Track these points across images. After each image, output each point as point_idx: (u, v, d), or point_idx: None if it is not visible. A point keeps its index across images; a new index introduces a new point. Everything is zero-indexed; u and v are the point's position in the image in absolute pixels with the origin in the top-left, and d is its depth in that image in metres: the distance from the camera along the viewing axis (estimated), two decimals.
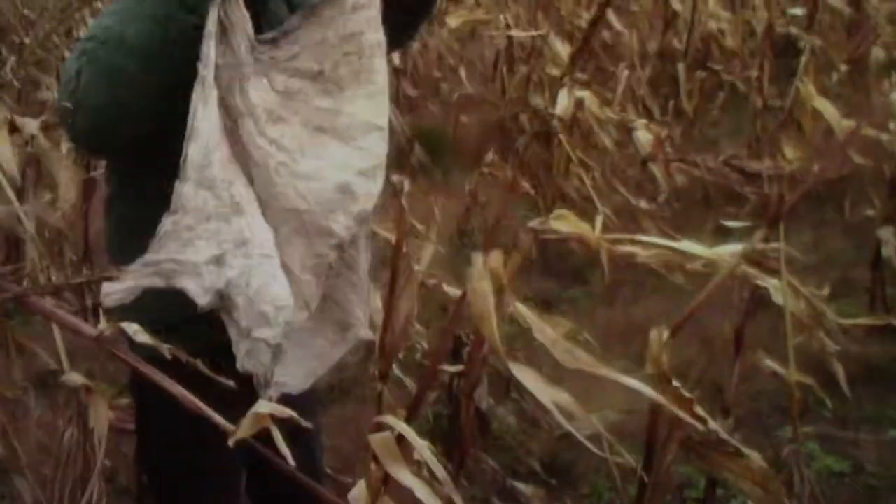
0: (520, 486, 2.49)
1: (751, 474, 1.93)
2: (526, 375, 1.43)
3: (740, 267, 2.09)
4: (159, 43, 1.45)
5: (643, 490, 2.02)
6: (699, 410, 1.93)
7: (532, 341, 1.71)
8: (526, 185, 4.90)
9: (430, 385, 1.96)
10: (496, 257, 1.31)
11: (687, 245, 2.29)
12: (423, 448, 1.17)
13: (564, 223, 2.45)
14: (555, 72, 5.53)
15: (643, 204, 4.47)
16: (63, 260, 3.71)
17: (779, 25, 6.30)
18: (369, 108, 1.55)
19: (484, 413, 2.92)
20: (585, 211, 4.65)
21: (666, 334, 1.97)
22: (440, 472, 1.20)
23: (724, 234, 3.60)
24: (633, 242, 2.90)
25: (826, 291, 4.15)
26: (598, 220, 4.49)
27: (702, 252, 2.20)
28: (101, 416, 1.80)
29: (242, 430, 1.20)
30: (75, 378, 1.88)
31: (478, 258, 1.31)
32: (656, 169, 4.96)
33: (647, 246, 2.65)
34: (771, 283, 2.48)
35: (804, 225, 4.74)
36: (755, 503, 1.93)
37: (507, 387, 3.09)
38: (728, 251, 2.27)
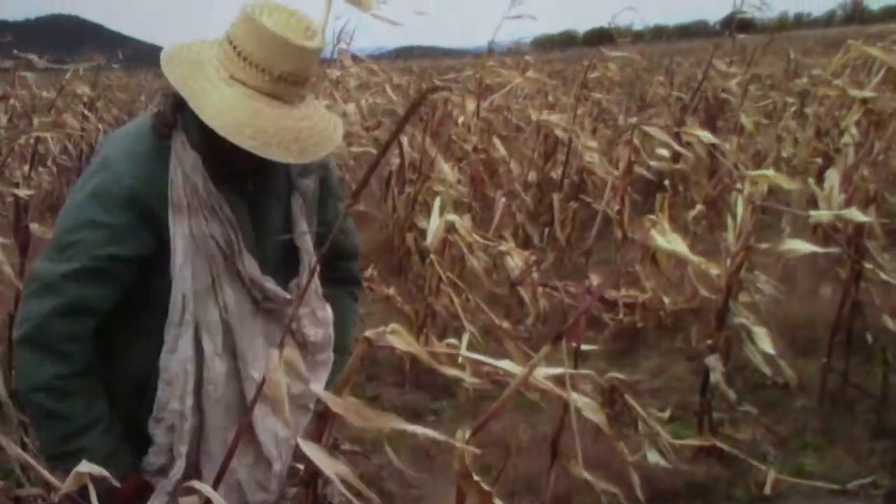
0: None
1: None
2: (312, 451, 1.66)
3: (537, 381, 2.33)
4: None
5: None
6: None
7: None
8: (400, 300, 5.19)
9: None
10: (291, 352, 1.56)
11: (504, 363, 2.58)
12: None
13: (397, 338, 2.71)
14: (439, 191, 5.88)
15: (505, 325, 4.77)
16: None
17: (650, 162, 6.81)
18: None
19: None
20: (455, 329, 4.95)
21: (468, 434, 2.23)
22: None
23: (581, 357, 3.89)
24: (456, 358, 3.18)
25: (666, 414, 4.52)
26: (465, 339, 4.80)
27: (515, 370, 2.48)
28: None
29: (67, 486, 1.43)
30: None
31: (274, 352, 1.55)
32: (524, 293, 5.31)
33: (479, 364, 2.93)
34: (582, 402, 2.77)
35: (654, 352, 5.12)
36: None
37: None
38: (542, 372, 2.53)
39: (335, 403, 1.86)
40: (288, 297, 1.98)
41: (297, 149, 1.77)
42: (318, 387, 2.06)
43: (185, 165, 1.81)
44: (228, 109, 1.71)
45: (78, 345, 1.80)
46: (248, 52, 1.75)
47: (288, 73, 1.76)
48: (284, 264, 2.03)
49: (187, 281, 1.84)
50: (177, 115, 1.83)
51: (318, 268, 2.13)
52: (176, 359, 1.86)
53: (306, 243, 2.04)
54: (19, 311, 1.86)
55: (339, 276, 2.29)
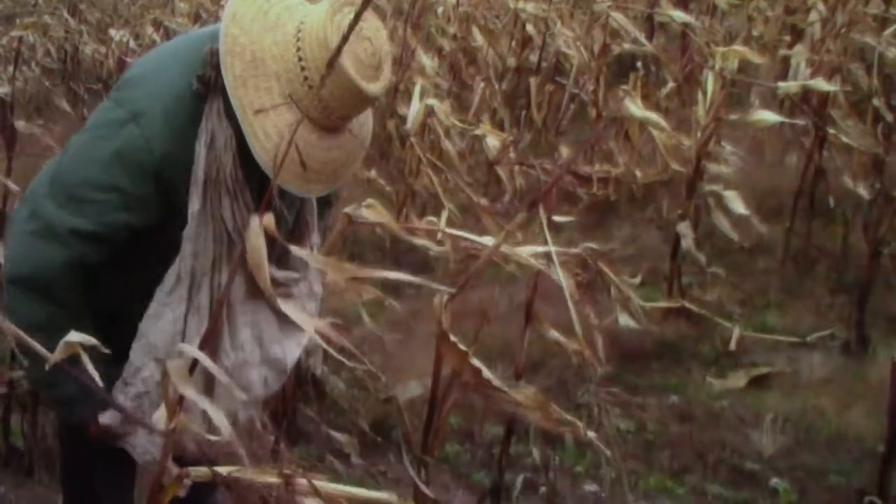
0: (336, 434, 2.75)
1: (527, 400, 2.21)
2: (294, 313, 1.67)
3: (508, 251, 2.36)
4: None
5: (427, 433, 2.31)
6: (474, 361, 2.22)
7: None
8: (382, 182, 5.20)
9: None
10: (269, 218, 1.54)
11: (481, 239, 2.60)
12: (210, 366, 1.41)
13: (373, 212, 2.74)
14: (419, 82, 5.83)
15: (483, 202, 4.79)
16: None
17: (623, 44, 6.74)
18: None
19: (318, 379, 3.18)
20: (434, 208, 4.98)
21: (446, 298, 2.25)
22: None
23: (556, 229, 3.92)
24: (432, 232, 3.21)
25: (637, 280, 4.57)
26: (443, 216, 4.81)
27: (485, 242, 2.51)
28: None
29: (56, 356, 1.46)
30: None
31: (254, 219, 1.53)
32: (501, 172, 5.32)
33: (446, 236, 2.97)
34: (555, 269, 2.79)
35: (626, 223, 5.16)
36: (537, 422, 2.22)
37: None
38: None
39: (317, 261, 1.87)
40: (296, 276, 1.89)
41: (332, 179, 1.75)
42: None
43: (216, 142, 1.68)
44: (281, 142, 1.61)
45: (74, 292, 1.73)
46: (316, 83, 1.63)
47: (350, 115, 1.70)
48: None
49: (187, 257, 1.74)
50: (219, 77, 1.66)
51: (320, 241, 2.04)
52: (159, 328, 1.76)
53: (314, 219, 1.96)
54: (14, 244, 1.74)
55: None
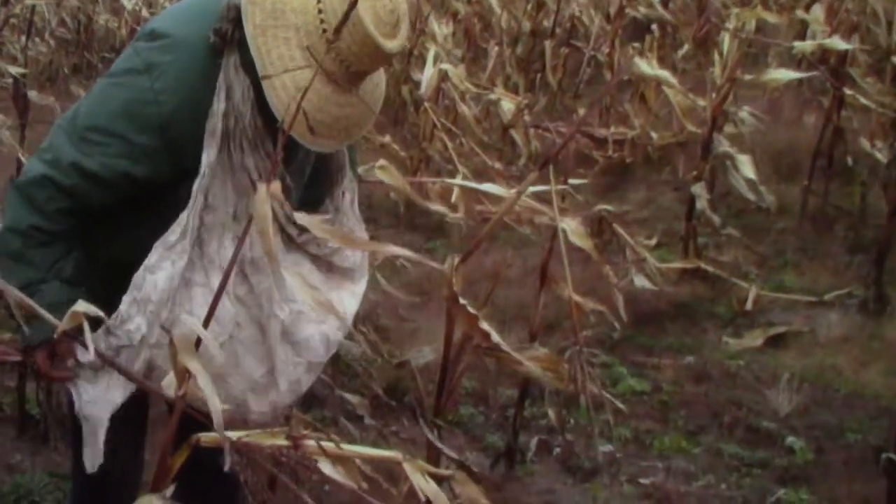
0: (349, 397, 2.74)
1: (538, 362, 2.18)
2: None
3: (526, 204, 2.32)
4: None
5: (440, 395, 2.29)
6: (484, 325, 2.18)
7: None
8: (396, 147, 5.16)
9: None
10: (276, 185, 1.52)
11: (489, 186, 2.57)
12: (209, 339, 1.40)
13: (384, 173, 2.71)
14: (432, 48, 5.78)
15: (498, 165, 4.75)
16: None
17: (639, 6, 6.64)
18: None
19: None
20: (449, 172, 4.94)
21: (457, 261, 2.22)
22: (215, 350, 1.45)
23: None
24: (442, 185, 3.16)
25: (653, 241, 4.53)
26: (458, 179, 4.76)
27: (498, 191, 2.47)
28: None
29: (64, 325, 1.45)
30: None
31: (262, 186, 1.51)
32: (516, 135, 5.27)
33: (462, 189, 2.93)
34: (570, 227, 2.76)
35: (642, 185, 5.11)
36: (546, 382, 2.20)
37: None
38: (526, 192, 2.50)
39: (327, 231, 1.84)
40: (327, 216, 1.85)
41: (343, 136, 1.73)
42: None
43: (233, 94, 1.68)
44: (297, 95, 1.54)
45: (64, 216, 1.73)
46: (335, 37, 1.60)
47: (365, 71, 1.69)
48: (309, 184, 1.90)
49: (198, 209, 1.71)
50: (236, 30, 1.66)
51: (356, 187, 1.99)
52: (154, 282, 1.71)
53: (340, 159, 1.93)
54: (29, 162, 1.80)
55: None
